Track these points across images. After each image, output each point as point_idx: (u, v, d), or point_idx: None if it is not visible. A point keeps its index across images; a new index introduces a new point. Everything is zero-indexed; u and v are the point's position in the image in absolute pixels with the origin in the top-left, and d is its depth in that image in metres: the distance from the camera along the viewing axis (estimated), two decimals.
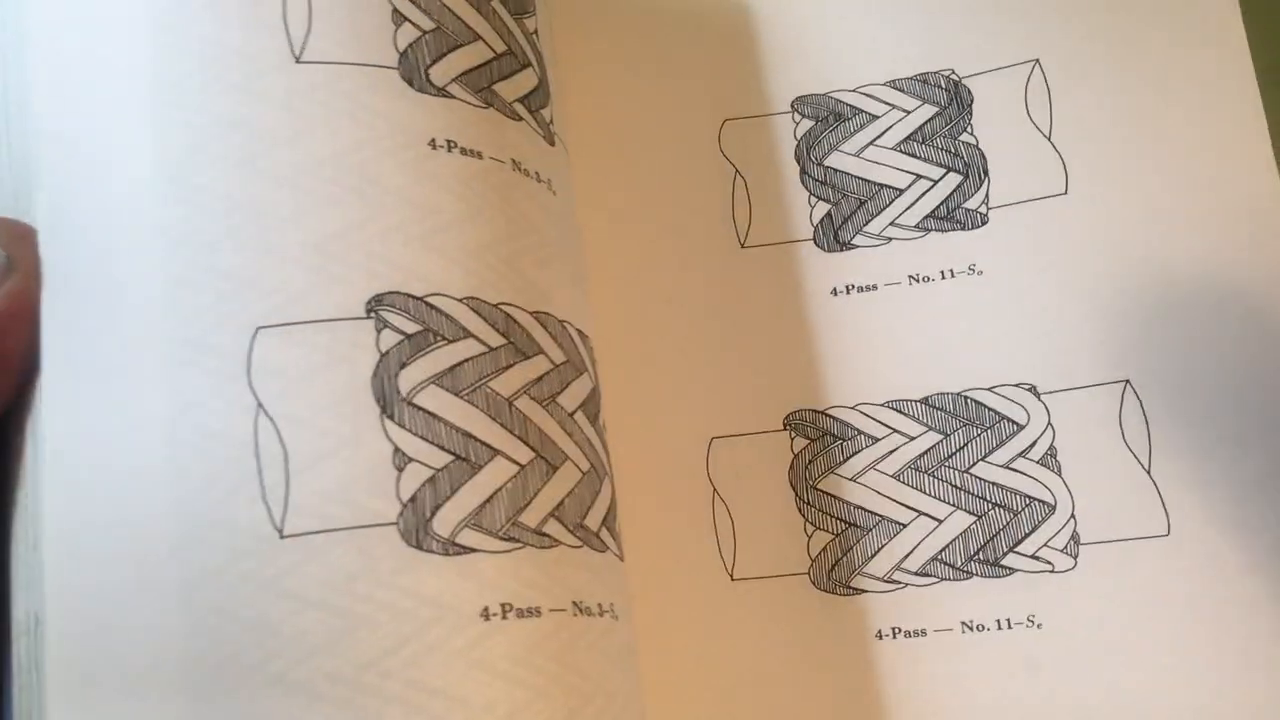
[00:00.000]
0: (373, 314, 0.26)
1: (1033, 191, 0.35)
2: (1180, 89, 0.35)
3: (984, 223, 0.35)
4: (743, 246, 0.37)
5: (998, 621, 0.33)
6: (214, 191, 0.25)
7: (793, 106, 0.37)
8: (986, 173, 0.36)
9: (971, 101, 0.36)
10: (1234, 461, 0.32)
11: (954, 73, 0.37)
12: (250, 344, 0.25)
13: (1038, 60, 0.36)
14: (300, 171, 0.26)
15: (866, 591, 0.34)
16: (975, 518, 0.33)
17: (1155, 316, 0.34)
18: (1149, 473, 0.33)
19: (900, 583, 0.34)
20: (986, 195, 0.36)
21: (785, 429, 0.35)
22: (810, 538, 0.34)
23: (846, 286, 0.36)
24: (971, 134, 0.36)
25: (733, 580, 0.34)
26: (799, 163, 0.37)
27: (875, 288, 0.36)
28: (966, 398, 0.34)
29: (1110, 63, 0.36)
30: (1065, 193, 0.35)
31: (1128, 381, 0.33)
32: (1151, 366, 0.33)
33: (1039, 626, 0.32)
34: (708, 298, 0.36)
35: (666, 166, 0.38)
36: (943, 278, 0.35)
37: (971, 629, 0.33)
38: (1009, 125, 0.36)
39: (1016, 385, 0.34)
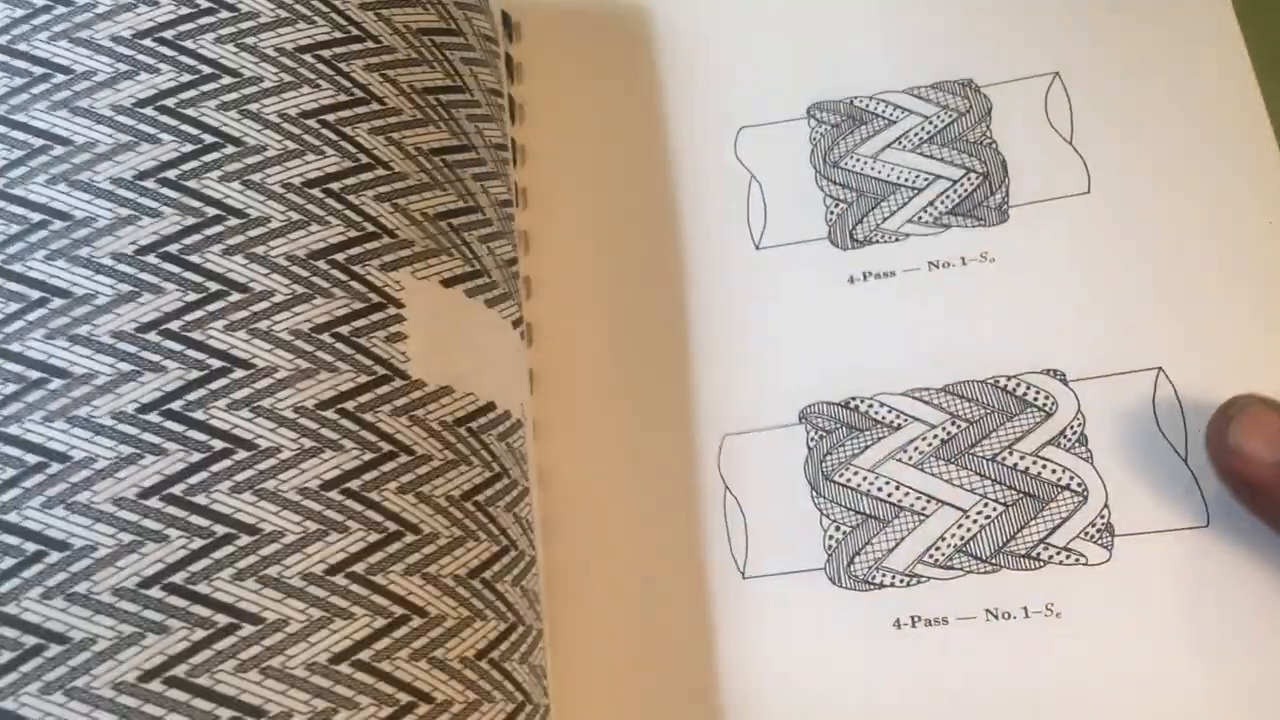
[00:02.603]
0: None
1: (1054, 191, 0.35)
2: (1191, 97, 0.35)
3: (1004, 219, 0.35)
4: (757, 248, 0.36)
5: (1025, 609, 0.30)
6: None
7: (809, 112, 0.37)
8: (1007, 173, 0.35)
9: (990, 109, 0.36)
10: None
11: (973, 82, 0.36)
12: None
13: (1057, 73, 0.36)
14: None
15: (886, 586, 0.31)
16: (1003, 508, 0.31)
17: (1185, 304, 0.32)
18: (1186, 462, 0.31)
19: (923, 576, 0.31)
20: (1007, 194, 0.35)
21: (800, 422, 0.33)
22: (826, 532, 0.32)
23: (864, 274, 0.35)
24: (991, 138, 0.36)
25: (744, 578, 0.32)
26: (815, 166, 0.36)
27: (893, 274, 0.34)
28: (992, 384, 0.33)
29: (1128, 75, 0.36)
30: (1088, 192, 0.34)
31: (1160, 369, 0.32)
32: (1185, 353, 0.32)
33: (1071, 619, 0.30)
34: (721, 297, 0.35)
35: (684, 173, 0.37)
36: (964, 263, 0.34)
37: (997, 617, 0.30)
38: (1029, 130, 0.36)
39: (1043, 372, 0.33)
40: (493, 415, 0.30)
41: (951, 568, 0.31)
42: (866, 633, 0.31)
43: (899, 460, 0.33)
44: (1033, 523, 0.31)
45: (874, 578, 0.31)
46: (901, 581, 0.31)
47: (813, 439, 0.33)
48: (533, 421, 0.34)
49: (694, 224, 0.37)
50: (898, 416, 0.33)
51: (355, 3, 0.31)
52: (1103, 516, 0.31)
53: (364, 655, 0.26)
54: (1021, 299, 0.34)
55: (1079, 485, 0.31)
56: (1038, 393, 0.32)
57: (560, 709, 0.31)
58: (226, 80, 0.29)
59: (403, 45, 0.31)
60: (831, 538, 0.32)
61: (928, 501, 0.32)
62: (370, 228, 0.29)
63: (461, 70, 0.33)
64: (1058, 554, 0.31)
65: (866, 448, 0.33)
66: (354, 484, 0.27)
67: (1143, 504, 0.31)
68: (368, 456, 0.27)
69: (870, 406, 0.33)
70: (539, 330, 0.36)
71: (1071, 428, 0.32)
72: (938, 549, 0.31)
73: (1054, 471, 0.32)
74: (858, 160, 0.36)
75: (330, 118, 0.29)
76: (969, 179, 0.35)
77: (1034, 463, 0.32)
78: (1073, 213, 0.34)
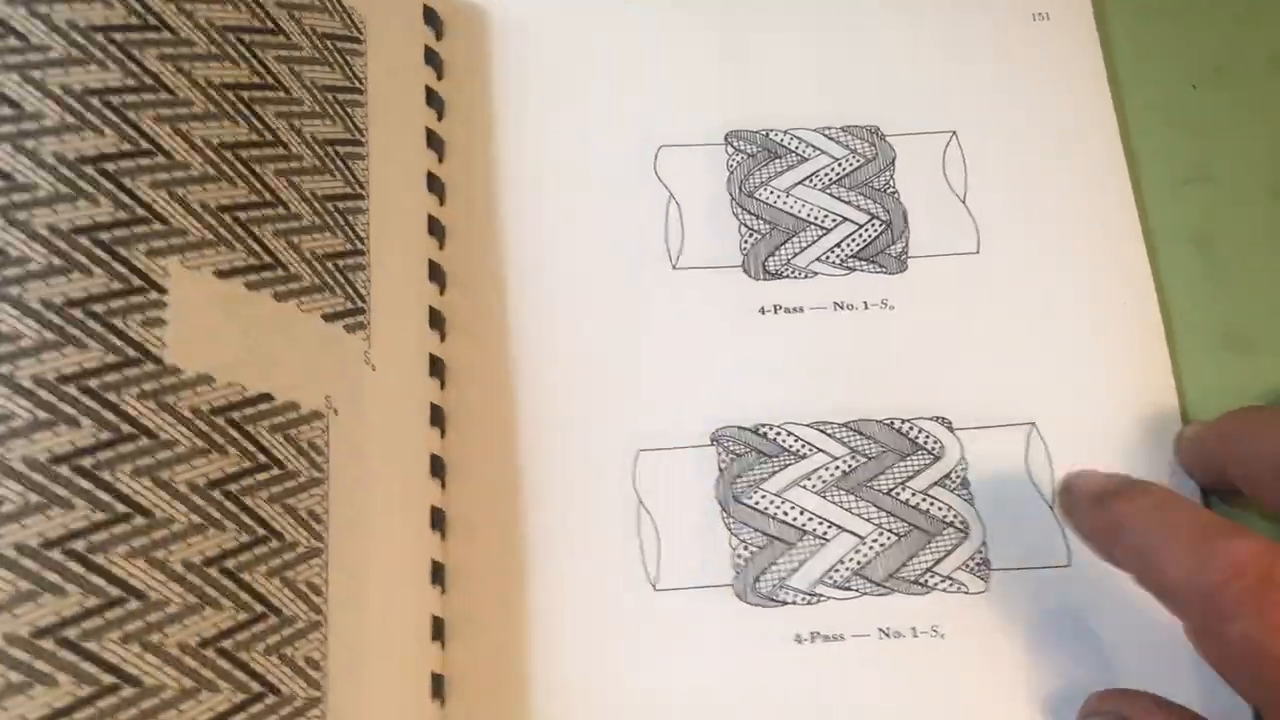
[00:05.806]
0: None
1: (948, 247, 0.38)
2: (1066, 164, 0.39)
3: (904, 269, 0.38)
4: (674, 268, 0.37)
5: (913, 629, 0.34)
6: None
7: (727, 139, 0.39)
8: (907, 224, 0.38)
9: (894, 159, 0.39)
10: None
11: (879, 130, 0.39)
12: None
13: (955, 132, 0.39)
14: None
15: (789, 604, 0.34)
16: (896, 538, 0.35)
17: (1059, 367, 0.37)
18: (1051, 509, 0.35)
19: (823, 596, 0.34)
20: (906, 245, 0.38)
21: (713, 444, 0.36)
22: (735, 551, 0.35)
23: (775, 306, 0.37)
24: (894, 187, 0.39)
25: (655, 590, 0.34)
26: (731, 193, 0.38)
27: (802, 310, 0.37)
28: (888, 425, 0.36)
29: (1014, 143, 0.39)
30: (977, 252, 0.38)
31: (1033, 425, 0.36)
32: (1055, 413, 0.36)
33: (953, 640, 0.34)
34: (639, 313, 0.37)
35: (604, 187, 0.38)
36: (866, 307, 0.37)
37: (888, 635, 0.34)
38: (928, 185, 0.39)
39: (933, 419, 0.36)
40: (265, 407, 0.30)
41: (849, 589, 0.34)
42: (770, 645, 0.34)
43: (803, 487, 0.35)
44: (921, 553, 0.35)
45: (778, 595, 0.34)
46: (803, 600, 0.34)
47: (724, 461, 0.35)
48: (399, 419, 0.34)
49: (613, 236, 0.38)
50: (804, 446, 0.36)
51: None
52: (980, 552, 0.35)
53: (70, 634, 0.25)
54: (916, 348, 0.37)
55: (961, 523, 0.35)
56: (928, 437, 0.36)
57: (465, 708, 0.32)
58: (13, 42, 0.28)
59: (203, 40, 0.31)
60: (740, 556, 0.35)
61: (829, 527, 0.35)
62: (141, 212, 0.29)
63: (275, 68, 0.32)
64: (942, 582, 0.34)
65: (774, 473, 0.35)
66: (85, 461, 0.27)
67: (1015, 543, 0.35)
68: (105, 436, 0.27)
69: (779, 435, 0.36)
70: (454, 329, 0.36)
71: (956, 472, 0.36)
72: (836, 571, 0.35)
73: (940, 509, 0.35)
74: (771, 193, 0.38)
75: (114, 99, 0.29)
76: (873, 225, 0.38)
77: (924, 500, 0.35)
78: (963, 271, 0.38)
